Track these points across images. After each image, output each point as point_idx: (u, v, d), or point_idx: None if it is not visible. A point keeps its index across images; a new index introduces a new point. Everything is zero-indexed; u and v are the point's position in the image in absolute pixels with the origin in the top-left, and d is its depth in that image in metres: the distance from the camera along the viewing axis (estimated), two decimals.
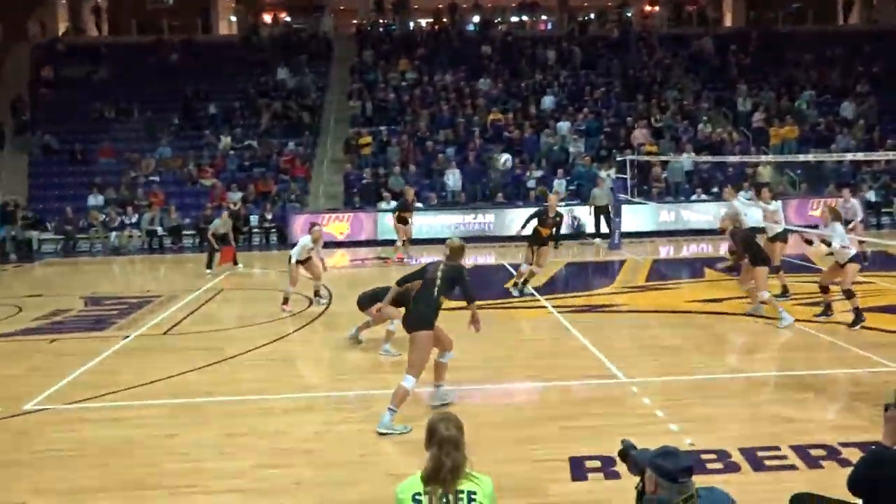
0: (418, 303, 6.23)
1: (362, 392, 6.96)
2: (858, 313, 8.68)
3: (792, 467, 5.08)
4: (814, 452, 5.24)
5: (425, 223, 18.13)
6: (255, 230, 19.58)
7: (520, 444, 5.59)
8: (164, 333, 9.66)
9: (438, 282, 6.17)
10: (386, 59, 26.12)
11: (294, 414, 6.42)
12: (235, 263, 15.05)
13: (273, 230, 19.36)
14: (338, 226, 18.57)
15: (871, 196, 19.03)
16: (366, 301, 8.38)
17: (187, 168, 21.29)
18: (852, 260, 8.77)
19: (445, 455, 2.97)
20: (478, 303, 6.69)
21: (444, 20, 29.86)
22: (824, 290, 9.22)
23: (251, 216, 19.51)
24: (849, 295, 8.74)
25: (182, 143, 22.67)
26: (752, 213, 11.97)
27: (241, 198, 19.58)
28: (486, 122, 22.68)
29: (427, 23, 30.83)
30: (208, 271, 14.36)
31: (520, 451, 5.47)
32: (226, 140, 22.19)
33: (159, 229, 19.23)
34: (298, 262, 10.89)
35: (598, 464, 5.18)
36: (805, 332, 8.66)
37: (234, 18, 32.61)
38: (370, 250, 17.46)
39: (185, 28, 28.76)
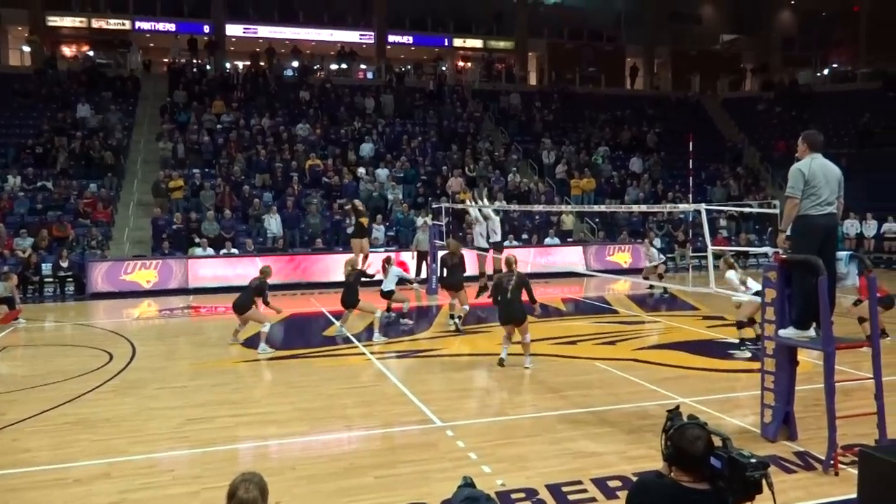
0: (506, 304, 9.36)
1: (166, 454, 6.50)
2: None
3: (593, 500, 5.41)
4: (611, 483, 5.64)
5: (243, 270, 17.52)
6: (48, 279, 17.75)
7: (336, 497, 5.48)
8: None
9: (512, 286, 9.34)
10: (199, 100, 25.23)
11: (88, 483, 5.84)
12: (16, 318, 13.62)
13: (69, 279, 17.66)
14: (144, 273, 17.37)
15: (657, 243, 21.11)
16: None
17: None
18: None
19: None
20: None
21: (262, 63, 29.53)
22: (742, 325, 10.13)
23: (44, 264, 17.71)
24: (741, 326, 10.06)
25: None
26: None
27: (32, 244, 17.77)
28: (305, 168, 22.52)
29: (244, 65, 30.29)
30: None
31: (335, 503, 5.37)
32: (14, 180, 20.12)
33: None
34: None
35: None
36: (604, 370, 9.36)
37: (27, 49, 29.93)
38: (181, 299, 16.50)
39: None
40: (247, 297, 11.04)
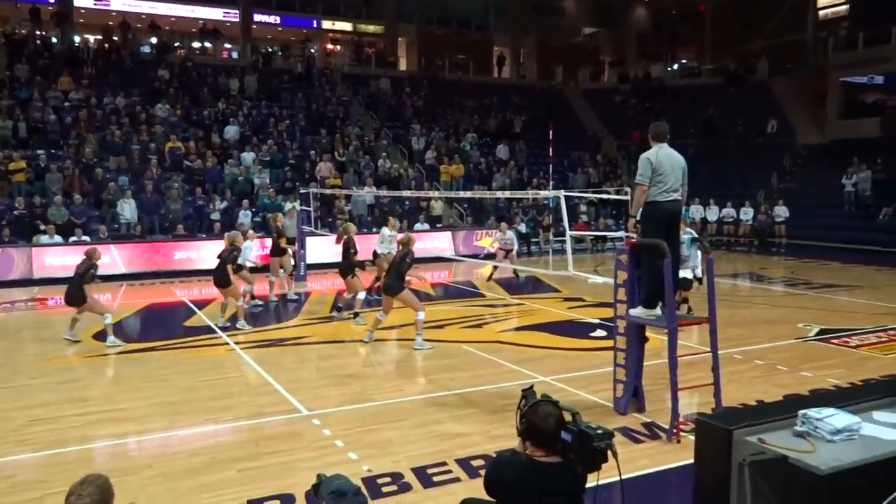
0: (390, 279, 9.87)
1: (5, 459, 6.00)
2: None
3: (457, 479, 5.53)
4: (475, 463, 5.79)
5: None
6: None
7: (195, 493, 5.29)
8: None
9: (397, 262, 9.93)
10: (44, 75, 23.28)
11: None
12: None
13: None
14: None
15: (522, 228, 21.84)
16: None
17: None
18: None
19: None
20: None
21: (116, 38, 27.65)
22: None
23: None
24: None
25: None
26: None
27: None
28: (165, 150, 21.38)
29: (95, 40, 28.25)
30: None
31: (194, 501, 5.17)
32: None
33: None
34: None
35: (276, 503, 5.11)
36: (469, 353, 9.58)
37: None
38: (25, 291, 15.24)
39: None
40: (77, 287, 10.14)
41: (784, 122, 29.13)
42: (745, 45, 35.11)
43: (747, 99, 30.52)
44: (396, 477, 5.53)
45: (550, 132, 19.98)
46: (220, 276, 11.32)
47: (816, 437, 3.74)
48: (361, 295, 11.85)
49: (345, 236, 11.99)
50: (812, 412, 3.85)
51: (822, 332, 10.69)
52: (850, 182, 23.82)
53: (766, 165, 26.60)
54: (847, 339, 10.09)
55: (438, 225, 22.16)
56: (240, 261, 12.16)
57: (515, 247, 17.35)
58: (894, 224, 21.83)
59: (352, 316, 11.87)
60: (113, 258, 16.83)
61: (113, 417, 7.06)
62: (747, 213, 23.61)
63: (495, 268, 16.57)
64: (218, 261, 11.44)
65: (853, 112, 28.97)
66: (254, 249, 12.70)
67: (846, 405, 4.05)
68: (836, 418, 3.75)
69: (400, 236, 10.97)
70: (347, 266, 11.82)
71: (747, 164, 27.15)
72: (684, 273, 10.45)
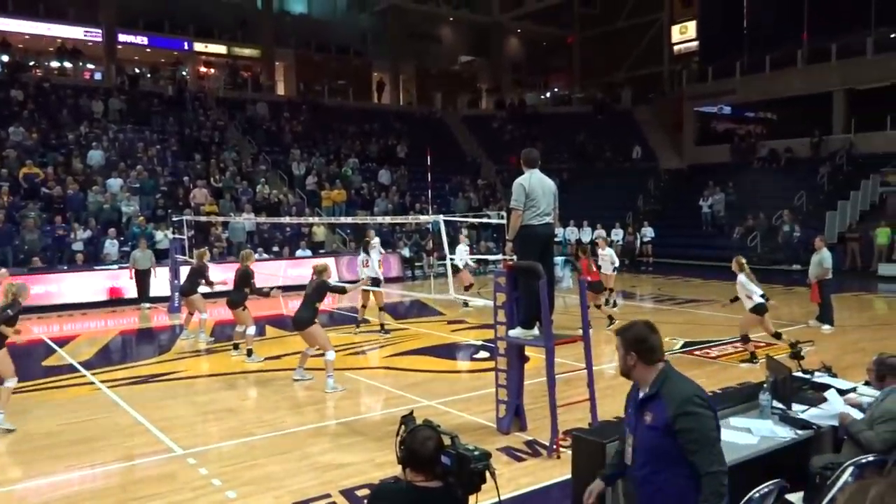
0: (301, 310, 9.01)
1: None
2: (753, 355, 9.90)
3: None
4: (360, 493, 5.69)
5: None
6: None
7: None
8: None
9: (310, 292, 9.08)
10: None
11: None
12: None
13: None
14: None
15: (406, 252, 21.93)
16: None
17: None
18: (756, 310, 9.82)
19: None
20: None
21: None
22: (745, 339, 10.06)
23: None
24: (745, 340, 10.02)
25: None
26: None
27: None
28: (19, 176, 19.88)
29: None
30: None
31: None
32: None
33: None
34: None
35: None
36: (354, 380, 9.45)
37: None
38: None
39: None
40: None
41: (647, 148, 31.02)
42: (610, 75, 37.21)
43: (614, 126, 32.29)
44: None
45: (429, 157, 20.26)
46: None
47: None
48: (251, 330, 10.83)
49: (242, 265, 10.93)
50: None
51: (686, 344, 11.37)
52: (707, 204, 25.68)
53: (632, 189, 28.16)
54: (708, 351, 10.79)
55: (321, 251, 21.83)
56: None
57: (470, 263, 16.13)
58: (745, 242, 23.66)
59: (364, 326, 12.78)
60: None
61: None
62: (618, 234, 24.82)
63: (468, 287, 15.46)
64: None
65: (706, 139, 31.36)
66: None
67: None
68: None
69: (316, 263, 9.99)
70: (239, 298, 10.77)
71: (616, 187, 28.63)
72: (760, 299, 9.84)
